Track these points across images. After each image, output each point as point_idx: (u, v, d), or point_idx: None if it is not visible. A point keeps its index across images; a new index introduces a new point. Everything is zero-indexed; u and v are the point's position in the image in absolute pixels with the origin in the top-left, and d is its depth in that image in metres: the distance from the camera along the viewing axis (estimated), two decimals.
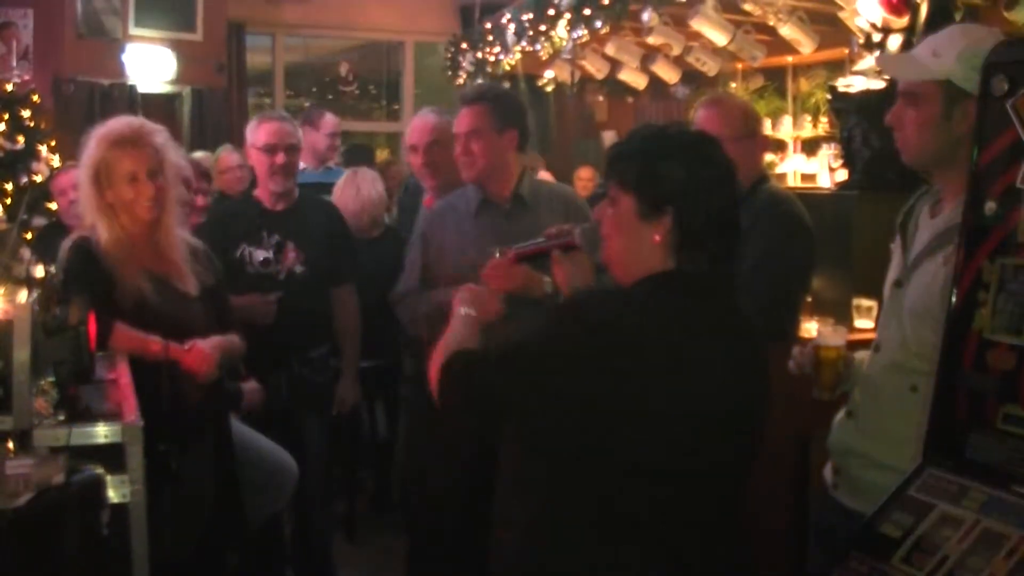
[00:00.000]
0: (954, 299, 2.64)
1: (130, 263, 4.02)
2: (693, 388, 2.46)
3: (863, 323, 5.30)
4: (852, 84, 6.10)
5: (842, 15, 6.91)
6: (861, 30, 6.28)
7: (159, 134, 4.16)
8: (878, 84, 5.72)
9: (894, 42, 5.81)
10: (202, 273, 4.26)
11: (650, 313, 2.50)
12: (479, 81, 11.15)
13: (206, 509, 4.12)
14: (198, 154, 7.43)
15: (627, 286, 2.62)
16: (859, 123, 5.92)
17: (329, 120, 7.53)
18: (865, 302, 5.34)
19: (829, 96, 6.67)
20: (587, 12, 8.39)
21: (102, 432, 3.07)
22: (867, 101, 5.84)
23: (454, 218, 4.55)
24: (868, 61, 6.06)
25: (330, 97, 14.71)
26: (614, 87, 11.03)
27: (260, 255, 5.23)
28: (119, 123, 4.18)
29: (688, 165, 2.56)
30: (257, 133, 5.46)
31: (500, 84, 9.97)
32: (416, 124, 5.29)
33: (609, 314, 2.48)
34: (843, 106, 6.23)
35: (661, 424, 2.43)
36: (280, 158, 5.32)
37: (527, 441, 2.60)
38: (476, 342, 2.77)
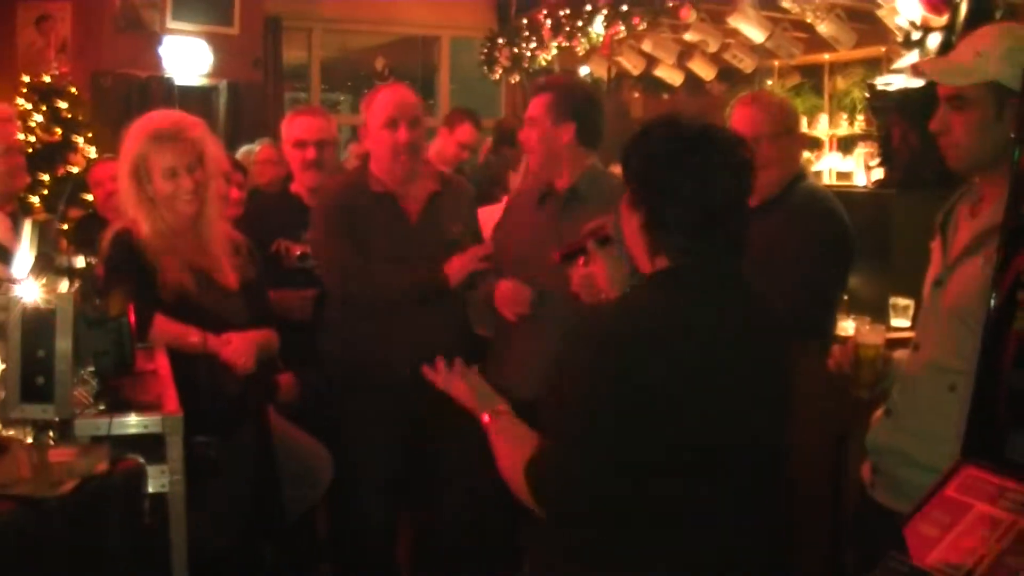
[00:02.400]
0: (994, 299, 2.62)
1: (171, 256, 4.04)
2: (696, 386, 2.45)
3: (899, 322, 5.28)
4: (891, 82, 6.07)
5: (880, 13, 6.88)
6: (900, 28, 6.26)
7: (198, 127, 4.17)
8: (917, 83, 5.69)
9: (933, 40, 5.79)
10: (243, 267, 4.27)
11: (641, 316, 2.50)
12: (515, 77, 11.17)
13: (246, 501, 4.14)
14: (243, 150, 7.45)
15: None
16: (897, 122, 5.89)
17: (465, 129, 7.50)
18: (902, 301, 5.32)
19: (867, 94, 6.65)
20: (624, 8, 8.38)
21: (143, 422, 3.09)
22: (906, 99, 5.82)
23: (521, 206, 4.58)
24: (907, 59, 6.03)
25: (365, 91, 14.72)
26: (650, 83, 10.99)
27: (297, 250, 5.24)
28: (157, 117, 4.20)
29: (656, 159, 2.56)
30: (290, 128, 5.49)
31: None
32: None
33: (602, 329, 2.50)
34: (881, 104, 6.20)
35: (673, 422, 2.42)
36: (310, 152, 5.35)
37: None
38: (528, 445, 2.66)
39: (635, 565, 2.48)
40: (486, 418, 2.83)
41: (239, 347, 4.03)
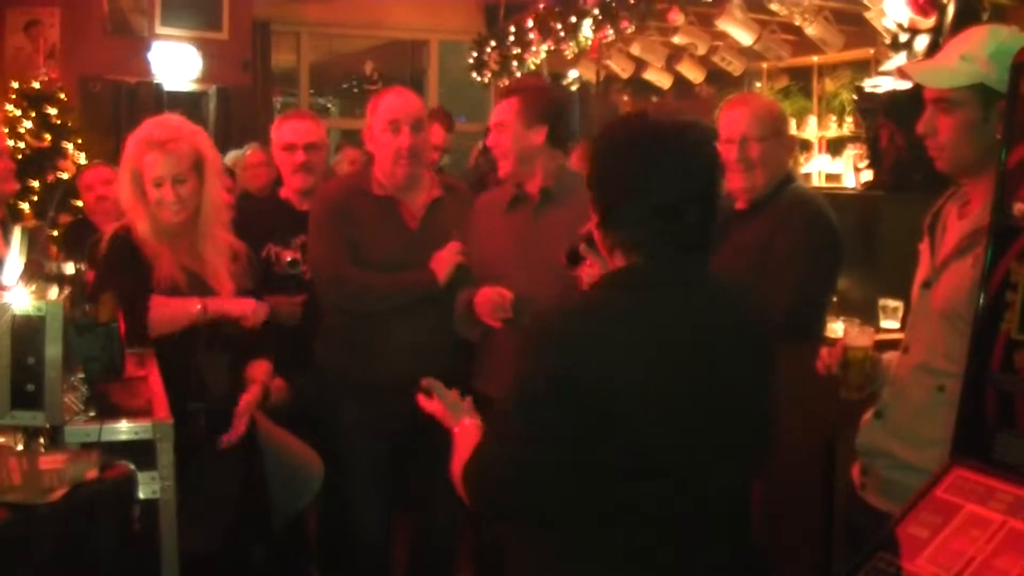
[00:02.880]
0: (982, 300, 2.63)
1: (166, 254, 4.06)
2: (647, 389, 2.38)
3: (888, 323, 5.30)
4: (879, 84, 6.09)
5: (868, 15, 6.90)
6: (888, 30, 6.27)
7: (196, 135, 4.18)
8: (905, 85, 5.71)
9: (921, 42, 5.80)
10: (240, 274, 4.28)
11: (588, 317, 2.44)
12: (504, 81, 11.16)
13: (233, 503, 4.14)
14: (231, 155, 7.45)
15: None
16: (885, 123, 5.91)
17: (434, 130, 7.50)
18: (891, 302, 5.33)
19: (855, 96, 6.66)
20: (613, 11, 8.40)
21: (133, 429, 3.09)
22: (894, 101, 5.83)
23: (489, 212, 4.56)
24: (894, 61, 6.05)
25: (355, 91, 14.74)
26: (639, 86, 11.02)
27: (287, 256, 5.24)
28: (155, 124, 4.21)
29: (612, 155, 2.54)
30: (280, 132, 5.49)
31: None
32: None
33: (547, 329, 2.44)
34: (869, 106, 6.22)
35: (633, 424, 2.36)
36: (300, 156, 5.35)
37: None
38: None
39: (591, 568, 2.46)
40: (455, 430, 2.81)
41: (243, 302, 4.08)
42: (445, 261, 4.52)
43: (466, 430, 2.76)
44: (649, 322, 2.43)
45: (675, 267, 2.50)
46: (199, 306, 3.99)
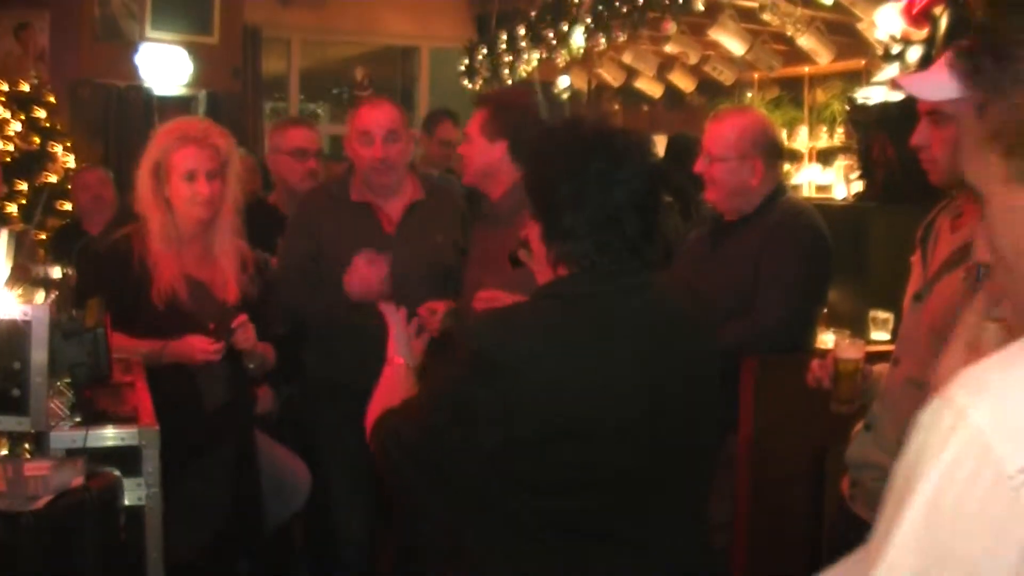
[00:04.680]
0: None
1: (171, 262, 4.05)
2: (584, 397, 2.33)
3: (879, 335, 5.29)
4: (870, 96, 6.09)
5: (860, 26, 6.90)
6: (880, 41, 6.28)
7: (225, 137, 4.18)
8: (897, 96, 5.71)
9: (913, 54, 5.80)
10: (247, 284, 4.27)
11: (523, 329, 2.39)
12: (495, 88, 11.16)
13: (223, 512, 4.12)
14: None
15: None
16: (877, 135, 5.90)
17: (445, 127, 7.49)
18: (881, 314, 5.32)
19: (847, 107, 6.66)
20: (605, 20, 8.40)
21: (119, 435, 3.07)
22: (885, 113, 5.83)
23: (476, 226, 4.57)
24: (886, 72, 6.05)
25: (345, 97, 14.73)
26: (630, 95, 11.01)
27: (275, 261, 5.23)
28: (186, 120, 4.26)
29: (547, 164, 2.49)
30: (285, 138, 5.50)
31: (521, 89, 9.95)
32: None
33: (486, 339, 2.38)
34: (861, 118, 6.22)
35: (555, 438, 2.32)
36: (312, 163, 5.39)
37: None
38: (408, 392, 2.69)
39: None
40: (386, 364, 2.84)
41: (195, 343, 3.98)
42: (362, 283, 4.48)
43: (394, 370, 2.81)
44: (588, 333, 2.40)
45: (616, 279, 2.45)
46: (156, 348, 3.94)
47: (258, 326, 4.21)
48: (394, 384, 2.79)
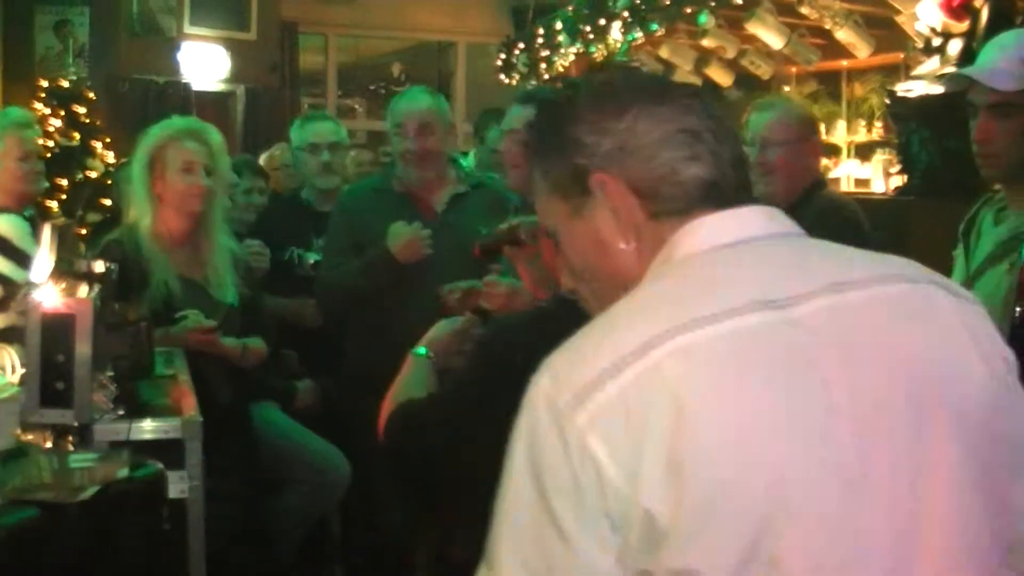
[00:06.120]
0: (1018, 308, 2.61)
1: (163, 260, 4.07)
2: None
3: None
4: (911, 89, 6.04)
5: (899, 19, 6.85)
6: (920, 34, 6.23)
7: (218, 136, 4.22)
8: (937, 89, 5.66)
9: (954, 47, 5.76)
10: (239, 283, 4.32)
11: (519, 338, 2.36)
12: (532, 83, 11.14)
13: (230, 509, 4.11)
14: (264, 155, 7.45)
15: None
16: (918, 128, 5.86)
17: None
18: None
19: (887, 100, 6.61)
20: (642, 14, 8.38)
21: (161, 427, 3.09)
22: (926, 106, 5.78)
23: None
24: (927, 65, 6.01)
25: (382, 92, 14.75)
26: None
27: (310, 258, 5.24)
28: (179, 119, 4.26)
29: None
30: (301, 133, 5.51)
31: (555, 90, 9.94)
32: None
33: (508, 342, 2.39)
34: (901, 111, 6.17)
35: None
36: (325, 157, 5.37)
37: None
38: (427, 387, 2.71)
39: None
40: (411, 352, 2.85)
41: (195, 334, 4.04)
42: (405, 240, 4.47)
43: (416, 363, 2.86)
44: None
45: None
46: None
47: (252, 321, 4.29)
48: (413, 376, 2.81)
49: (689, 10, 8.27)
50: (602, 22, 9.28)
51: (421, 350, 2.88)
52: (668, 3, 8.02)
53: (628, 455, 1.25)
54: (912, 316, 1.43)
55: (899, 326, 1.41)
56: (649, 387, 1.27)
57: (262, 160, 7.10)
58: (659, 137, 1.51)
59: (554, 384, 1.33)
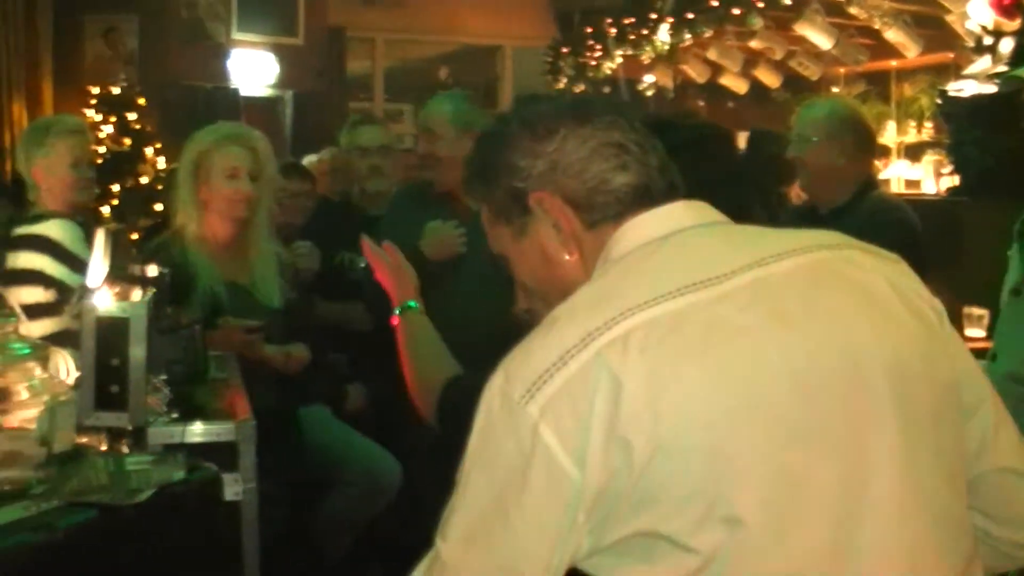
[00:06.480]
0: None
1: (209, 265, 4.09)
2: None
3: (973, 332, 5.20)
4: (963, 88, 5.99)
5: (949, 19, 6.81)
6: (971, 33, 6.18)
7: (263, 141, 4.22)
8: (990, 89, 5.62)
9: (1006, 45, 5.71)
10: (285, 287, 4.32)
11: None
12: (579, 86, 11.14)
13: (280, 506, 4.13)
14: (308, 159, 7.48)
15: None
16: (970, 128, 5.81)
17: None
18: (976, 311, 5.23)
19: (938, 100, 6.56)
20: (690, 16, 8.37)
21: (215, 430, 3.10)
22: (978, 106, 5.73)
23: None
24: (979, 64, 5.96)
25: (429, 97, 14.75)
26: (715, 92, 10.96)
27: (361, 262, 5.25)
28: (224, 124, 4.27)
29: None
30: (350, 136, 5.53)
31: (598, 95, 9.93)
32: None
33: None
34: (953, 111, 6.12)
35: None
36: (374, 160, 5.38)
37: None
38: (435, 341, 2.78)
39: None
40: (394, 320, 2.84)
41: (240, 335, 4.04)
42: (442, 239, 4.48)
43: (414, 321, 2.88)
44: None
45: None
46: None
47: (298, 326, 4.30)
48: (422, 337, 2.84)
49: (737, 12, 8.25)
50: (650, 25, 9.27)
51: (411, 303, 2.90)
52: (716, 4, 7.97)
53: (577, 440, 1.35)
54: (836, 278, 1.53)
55: (824, 288, 1.50)
56: (592, 374, 1.36)
57: (310, 163, 7.13)
58: (587, 153, 1.65)
59: (507, 381, 1.43)
